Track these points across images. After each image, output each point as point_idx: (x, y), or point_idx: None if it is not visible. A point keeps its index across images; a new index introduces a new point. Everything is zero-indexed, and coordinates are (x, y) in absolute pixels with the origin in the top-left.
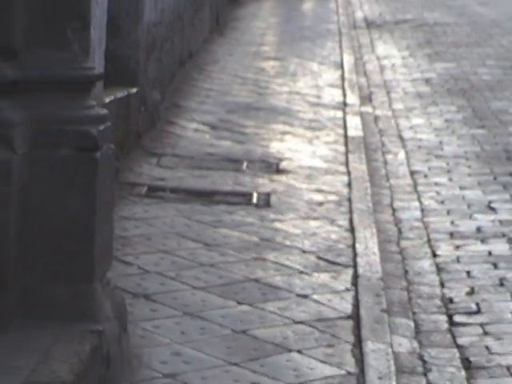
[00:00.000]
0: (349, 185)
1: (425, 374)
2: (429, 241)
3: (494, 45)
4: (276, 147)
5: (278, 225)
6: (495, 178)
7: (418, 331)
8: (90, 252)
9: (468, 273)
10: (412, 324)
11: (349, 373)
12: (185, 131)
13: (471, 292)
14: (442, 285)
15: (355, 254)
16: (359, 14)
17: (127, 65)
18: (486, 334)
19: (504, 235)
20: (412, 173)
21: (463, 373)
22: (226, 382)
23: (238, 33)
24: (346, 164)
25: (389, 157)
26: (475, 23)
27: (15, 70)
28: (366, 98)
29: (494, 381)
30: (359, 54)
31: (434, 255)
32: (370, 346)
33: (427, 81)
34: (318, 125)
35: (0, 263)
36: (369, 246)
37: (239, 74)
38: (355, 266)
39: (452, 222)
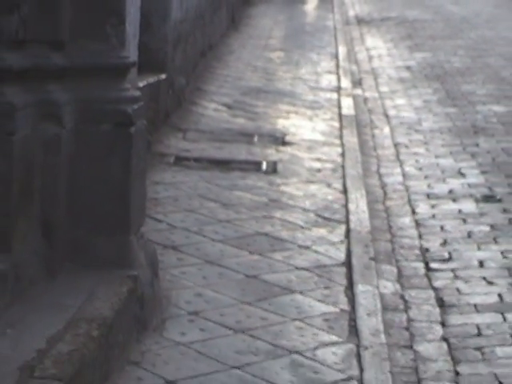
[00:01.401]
0: (342, 154)
1: (406, 311)
2: (409, 201)
3: (464, 37)
4: (282, 123)
5: (283, 188)
6: (464, 149)
7: (400, 276)
8: (126, 210)
9: (442, 227)
10: (395, 270)
11: (342, 310)
12: (206, 110)
13: (444, 243)
14: (420, 237)
15: (348, 212)
16: (351, 13)
17: (157, 55)
18: (456, 277)
19: (471, 196)
20: (395, 144)
21: (438, 310)
22: (240, 318)
23: (250, 28)
24: (341, 137)
25: (376, 131)
26: (448, 20)
27: (63, 59)
28: (357, 83)
29: (463, 316)
30: (351, 46)
31: (414, 213)
32: (360, 288)
33: (408, 68)
34: (317, 105)
35: (51, 220)
36: (359, 205)
37: (251, 63)
38: (348, 222)
39: (428, 185)
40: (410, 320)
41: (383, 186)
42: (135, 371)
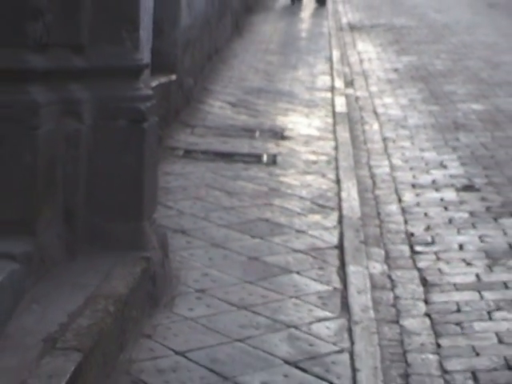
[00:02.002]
0: (336, 148)
1: (392, 290)
2: (396, 190)
3: (445, 42)
4: (281, 120)
5: (282, 178)
6: (446, 143)
7: (387, 257)
8: (140, 198)
9: (425, 214)
10: (383, 252)
11: (335, 288)
12: (212, 108)
13: (428, 228)
14: (406, 223)
15: (340, 200)
16: (344, 20)
17: (168, 58)
18: (438, 259)
19: (452, 185)
20: (384, 139)
21: (421, 288)
22: (242, 296)
23: (252, 34)
24: (334, 132)
25: (366, 127)
26: (431, 26)
27: (83, 61)
28: (349, 83)
29: (444, 294)
30: (344, 50)
31: (400, 201)
32: (351, 268)
33: (395, 70)
34: (313, 103)
35: (72, 207)
36: (351, 193)
37: (253, 65)
38: (340, 208)
39: (413, 176)
40: (396, 297)
41: (372, 176)
42: (148, 343)
